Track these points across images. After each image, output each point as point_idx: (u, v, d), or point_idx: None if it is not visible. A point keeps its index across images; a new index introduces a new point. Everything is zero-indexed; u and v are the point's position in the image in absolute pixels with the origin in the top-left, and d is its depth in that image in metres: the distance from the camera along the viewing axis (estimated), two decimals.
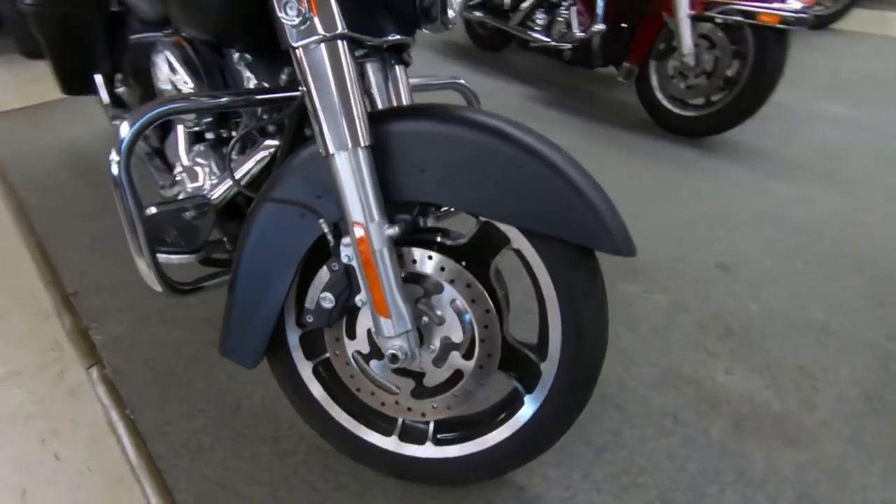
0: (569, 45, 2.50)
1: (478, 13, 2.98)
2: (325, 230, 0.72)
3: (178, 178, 1.13)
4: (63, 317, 1.29)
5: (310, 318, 0.78)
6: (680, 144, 2.20)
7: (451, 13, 0.75)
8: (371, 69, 0.86)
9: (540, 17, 2.73)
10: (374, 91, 0.87)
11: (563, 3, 2.55)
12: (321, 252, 0.76)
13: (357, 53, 0.79)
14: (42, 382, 1.13)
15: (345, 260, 0.73)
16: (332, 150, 0.66)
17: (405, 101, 0.90)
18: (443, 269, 0.75)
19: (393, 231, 0.70)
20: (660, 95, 2.29)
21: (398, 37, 0.77)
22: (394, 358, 0.73)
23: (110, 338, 1.23)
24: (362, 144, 0.67)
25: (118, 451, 0.99)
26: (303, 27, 0.63)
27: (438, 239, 0.78)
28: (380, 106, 0.87)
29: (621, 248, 0.68)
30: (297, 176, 0.74)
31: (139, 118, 0.72)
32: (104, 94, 1.33)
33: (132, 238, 0.77)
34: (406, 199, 0.72)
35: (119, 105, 1.39)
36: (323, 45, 0.64)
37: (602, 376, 0.79)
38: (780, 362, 1.18)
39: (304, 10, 0.62)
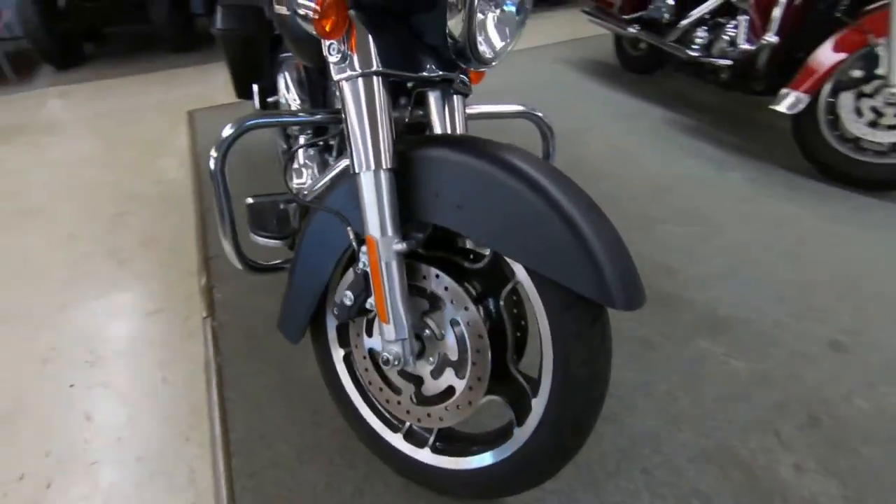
0: (729, 62, 2.30)
1: (632, 29, 2.87)
2: (351, 237, 0.82)
3: (292, 174, 1.35)
4: (201, 274, 1.63)
5: (335, 311, 0.89)
6: (833, 194, 1.87)
7: (485, 51, 0.79)
8: (432, 97, 0.93)
9: (701, 34, 2.54)
10: (434, 118, 0.94)
11: (732, 20, 2.35)
12: (355, 255, 0.87)
13: (410, 84, 0.88)
14: (174, 322, 1.45)
15: (361, 266, 0.82)
16: (358, 169, 0.76)
17: (459, 129, 0.96)
18: (446, 288, 0.80)
19: (401, 247, 0.77)
20: (827, 133, 1.95)
21: (439, 73, 0.83)
22: (386, 361, 0.80)
23: (226, 297, 1.52)
24: (384, 167, 0.75)
25: (203, 389, 1.23)
26: (343, 64, 0.73)
27: (458, 260, 0.83)
28: (437, 132, 0.94)
29: (616, 299, 0.66)
30: (339, 188, 0.85)
31: (234, 129, 0.90)
32: (256, 102, 1.64)
33: (220, 222, 0.96)
34: (421, 219, 0.78)
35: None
36: (360, 80, 0.74)
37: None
38: (874, 476, 0.96)
39: (344, 49, 0.73)
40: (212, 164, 0.91)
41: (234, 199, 0.94)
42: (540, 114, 1.21)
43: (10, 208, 2.07)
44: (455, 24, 0.71)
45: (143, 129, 2.81)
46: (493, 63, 0.83)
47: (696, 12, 2.54)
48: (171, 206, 2.03)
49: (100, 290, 1.57)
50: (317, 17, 0.67)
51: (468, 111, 1.12)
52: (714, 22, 2.53)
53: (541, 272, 0.71)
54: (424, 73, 0.82)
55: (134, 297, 1.54)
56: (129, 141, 2.67)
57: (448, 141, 0.78)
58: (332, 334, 1.00)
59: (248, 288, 1.54)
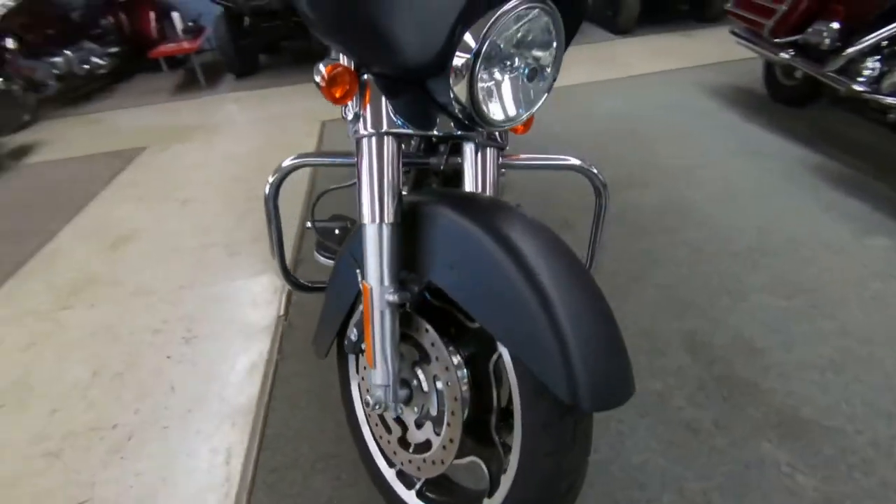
0: None
1: (784, 55, 2.51)
2: (359, 279, 0.88)
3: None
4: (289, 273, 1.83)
5: (346, 342, 0.96)
6: None
7: (496, 117, 0.77)
8: (467, 148, 0.95)
9: (871, 65, 2.15)
10: (467, 168, 0.96)
11: None
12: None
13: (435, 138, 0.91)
14: (257, 316, 1.66)
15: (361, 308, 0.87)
16: (363, 220, 0.81)
17: (489, 182, 0.95)
18: (433, 344, 0.82)
19: (394, 298, 0.80)
20: None
21: (457, 132, 0.84)
22: (367, 403, 0.84)
23: (303, 301, 1.69)
24: (386, 221, 0.79)
25: (260, 381, 1.40)
26: (356, 123, 0.79)
27: (460, 316, 0.84)
28: (467, 183, 0.95)
29: (579, 398, 0.62)
30: (356, 234, 0.91)
31: (286, 166, 1.02)
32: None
33: (270, 242, 1.09)
34: (418, 273, 0.81)
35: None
36: (372, 138, 0.79)
37: None
38: None
39: (357, 110, 0.78)
40: (266, 190, 1.04)
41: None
42: (594, 170, 1.15)
43: (174, 197, 2.54)
44: (460, 90, 0.72)
45: (285, 135, 3.23)
46: (512, 124, 0.82)
47: (870, 39, 2.13)
48: (283, 209, 2.30)
49: (210, 278, 1.86)
50: (325, 85, 0.73)
51: (515, 161, 1.11)
52: (891, 51, 2.10)
53: (514, 353, 0.70)
54: (436, 132, 0.83)
55: (233, 288, 1.80)
56: (272, 144, 3.08)
57: (453, 199, 0.79)
58: (351, 359, 1.07)
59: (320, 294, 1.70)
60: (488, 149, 0.94)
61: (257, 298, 1.73)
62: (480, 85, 0.72)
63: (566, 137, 2.73)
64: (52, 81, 3.94)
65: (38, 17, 3.92)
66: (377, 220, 0.79)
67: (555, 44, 0.77)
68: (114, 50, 4.51)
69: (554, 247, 0.72)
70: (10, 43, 3.70)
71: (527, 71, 0.76)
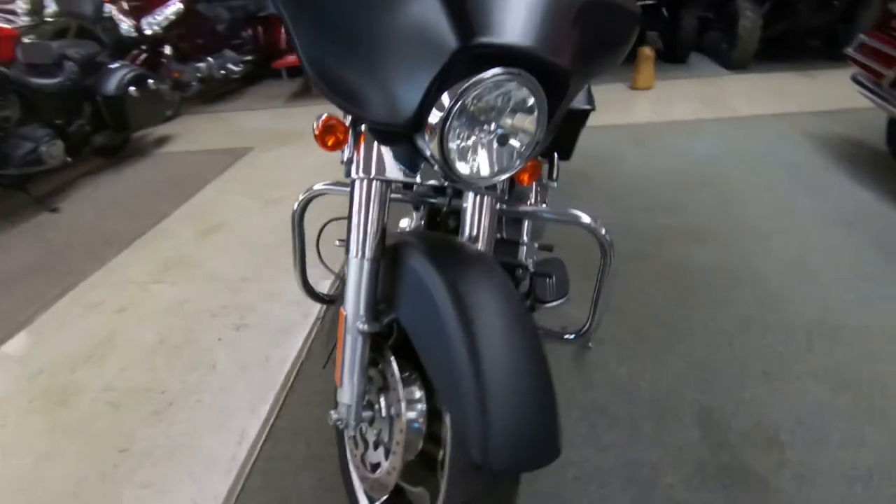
0: None
1: None
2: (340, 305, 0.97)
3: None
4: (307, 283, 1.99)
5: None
6: None
7: (470, 175, 0.81)
8: (468, 195, 1.00)
9: None
10: (465, 213, 1.01)
11: None
12: None
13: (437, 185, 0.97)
14: (298, 314, 1.83)
15: None
16: (349, 253, 0.90)
17: (483, 228, 0.99)
18: (392, 375, 0.88)
19: (364, 327, 0.88)
20: None
21: (445, 182, 0.89)
22: (331, 417, 0.92)
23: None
24: (366, 257, 0.87)
25: (284, 376, 1.55)
26: (350, 166, 0.88)
27: None
28: (466, 229, 1.00)
29: (489, 457, 0.65)
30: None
31: (315, 190, 1.15)
32: None
33: (294, 255, 1.23)
34: (389, 307, 0.88)
35: None
36: (363, 181, 0.88)
37: None
38: None
39: (351, 154, 0.87)
40: (294, 207, 1.18)
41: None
42: (602, 229, 1.13)
43: (265, 196, 2.86)
44: (434, 147, 0.76)
45: None
46: (486, 183, 0.85)
47: None
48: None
49: (272, 274, 2.08)
50: (318, 134, 0.83)
51: (517, 209, 1.14)
52: None
53: (442, 401, 0.74)
54: (419, 179, 0.88)
55: (289, 287, 1.99)
56: None
57: (426, 243, 0.85)
58: None
59: None
60: (486, 197, 0.99)
61: (307, 299, 1.90)
62: (452, 144, 0.76)
63: (633, 176, 2.62)
64: (195, 83, 4.60)
65: (192, 29, 4.60)
66: (358, 255, 0.87)
67: (536, 113, 0.79)
68: (248, 58, 5.15)
69: (502, 301, 0.75)
70: (167, 50, 4.39)
71: (497, 136, 0.79)
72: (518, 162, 0.84)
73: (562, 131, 2.01)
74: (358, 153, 0.86)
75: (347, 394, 0.90)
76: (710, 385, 1.38)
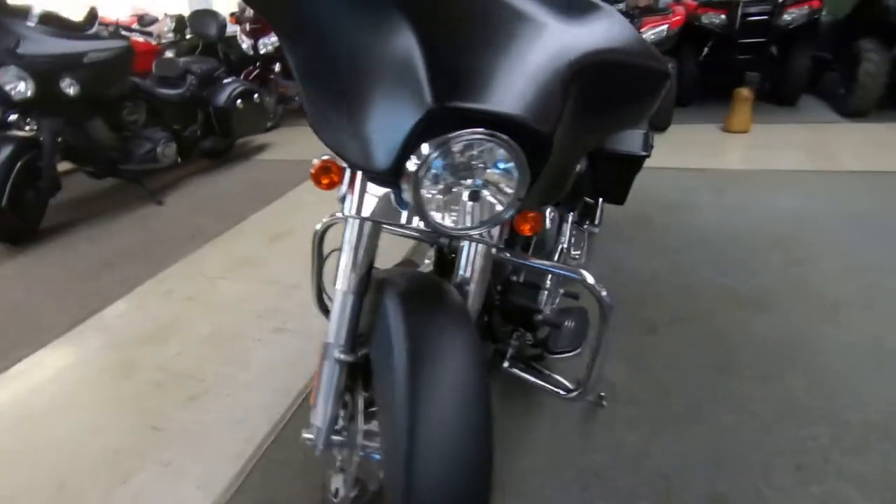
0: None
1: None
2: None
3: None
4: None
5: None
6: None
7: (446, 225, 0.82)
8: (464, 241, 1.03)
9: None
10: (461, 256, 1.03)
11: None
12: None
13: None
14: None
15: None
16: (336, 286, 0.96)
17: (475, 273, 1.00)
18: (356, 405, 0.92)
19: (340, 356, 0.93)
20: None
21: (420, 226, 0.92)
22: (302, 436, 0.98)
23: None
24: (350, 291, 0.93)
25: (299, 390, 1.65)
26: (343, 203, 0.94)
27: None
28: (459, 272, 1.03)
29: None
30: None
31: (331, 219, 1.23)
32: None
33: (311, 273, 1.32)
34: (365, 339, 0.93)
35: None
36: (354, 221, 0.93)
37: None
38: None
39: (345, 193, 0.93)
40: (317, 227, 1.27)
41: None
42: (603, 290, 1.09)
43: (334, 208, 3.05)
44: (410, 194, 0.76)
45: None
46: (462, 234, 0.86)
47: None
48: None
49: None
50: (313, 173, 0.90)
51: (513, 258, 1.14)
52: None
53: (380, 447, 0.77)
54: (404, 223, 0.92)
55: None
56: None
57: (404, 283, 0.89)
58: None
59: None
60: (477, 245, 1.00)
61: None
62: (427, 193, 0.78)
63: (700, 227, 2.45)
64: (297, 98, 5.05)
65: None
66: (343, 287, 0.93)
67: (515, 173, 0.79)
68: None
69: (458, 355, 0.77)
70: (276, 67, 4.87)
71: (470, 191, 0.80)
72: (498, 217, 0.84)
73: (613, 176, 1.96)
74: (351, 194, 0.93)
75: (319, 417, 0.95)
76: (729, 470, 1.26)
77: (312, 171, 0.92)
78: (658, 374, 1.58)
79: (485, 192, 0.82)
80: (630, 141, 1.90)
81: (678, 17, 3.75)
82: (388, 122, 0.76)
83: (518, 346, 1.43)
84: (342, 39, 0.79)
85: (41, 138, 2.80)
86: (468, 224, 0.84)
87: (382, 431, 0.75)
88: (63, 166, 3.18)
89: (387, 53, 0.75)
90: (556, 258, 1.56)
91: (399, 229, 0.99)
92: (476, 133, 0.73)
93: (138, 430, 1.51)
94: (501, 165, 0.79)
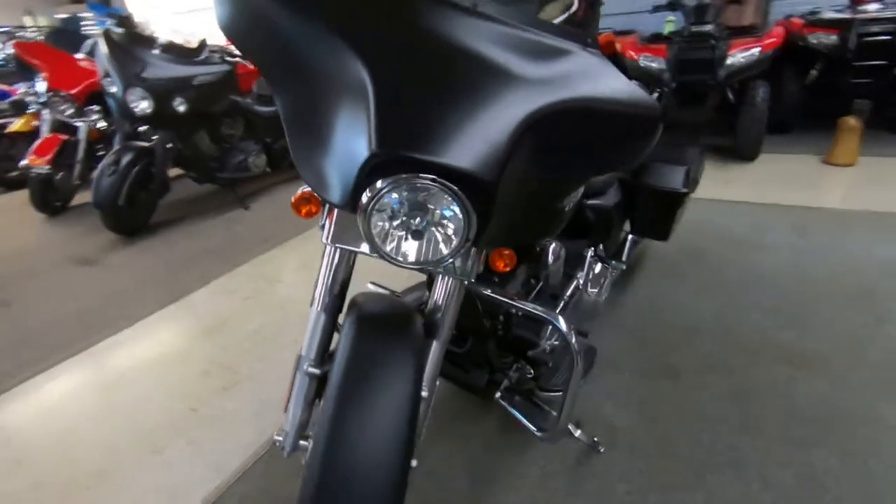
0: None
1: None
2: None
3: None
4: None
5: None
6: None
7: (401, 255, 0.87)
8: (440, 277, 1.07)
9: None
10: (434, 290, 1.08)
11: None
12: None
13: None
14: None
15: None
16: (311, 304, 1.06)
17: (448, 307, 1.04)
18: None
19: (310, 369, 1.03)
20: None
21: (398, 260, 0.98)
22: (273, 438, 1.08)
23: None
24: (321, 310, 1.03)
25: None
26: (322, 231, 1.03)
27: None
28: (430, 302, 1.07)
29: None
30: None
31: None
32: None
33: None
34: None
35: None
36: (328, 247, 1.02)
37: None
38: None
39: (323, 223, 1.02)
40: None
41: None
42: (573, 338, 1.07)
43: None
44: (362, 226, 0.80)
45: None
46: (413, 268, 0.90)
47: None
48: None
49: None
50: (293, 203, 1.00)
51: (489, 295, 1.16)
52: None
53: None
54: (368, 253, 0.98)
55: None
56: None
57: (372, 307, 0.96)
58: None
59: None
60: (451, 279, 1.04)
61: None
62: (374, 228, 0.84)
63: (764, 271, 2.22)
64: None
65: None
66: (317, 307, 1.03)
67: (459, 216, 0.82)
68: None
69: (393, 379, 0.84)
70: None
71: (412, 230, 0.84)
72: (444, 256, 0.87)
73: (652, 212, 1.87)
74: (329, 223, 1.02)
75: (288, 423, 1.05)
76: None
77: (293, 200, 1.02)
78: (668, 425, 1.48)
79: (437, 231, 0.86)
80: (670, 176, 1.82)
81: (773, 40, 3.44)
82: (344, 162, 0.82)
83: (518, 378, 1.43)
84: (314, 85, 0.87)
85: (155, 148, 3.29)
86: (416, 259, 0.89)
87: (313, 442, 0.82)
88: (173, 172, 3.68)
89: (349, 98, 0.81)
90: (567, 294, 1.53)
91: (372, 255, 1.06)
92: (417, 178, 0.78)
93: (179, 410, 1.73)
94: (446, 210, 0.82)
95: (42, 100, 3.71)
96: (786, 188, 3.14)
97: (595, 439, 1.39)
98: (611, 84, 0.93)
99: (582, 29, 1.00)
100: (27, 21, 10.58)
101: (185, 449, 1.57)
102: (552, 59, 0.87)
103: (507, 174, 0.80)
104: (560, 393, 1.35)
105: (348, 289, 1.09)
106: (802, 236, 2.52)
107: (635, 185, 1.84)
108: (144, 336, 2.22)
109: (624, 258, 1.85)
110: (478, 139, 0.78)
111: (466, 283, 1.05)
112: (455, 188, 0.78)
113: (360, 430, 0.79)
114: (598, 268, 1.62)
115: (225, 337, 2.13)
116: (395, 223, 0.85)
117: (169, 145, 3.36)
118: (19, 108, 4.36)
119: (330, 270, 1.02)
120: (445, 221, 0.84)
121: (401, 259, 0.88)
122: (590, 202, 1.63)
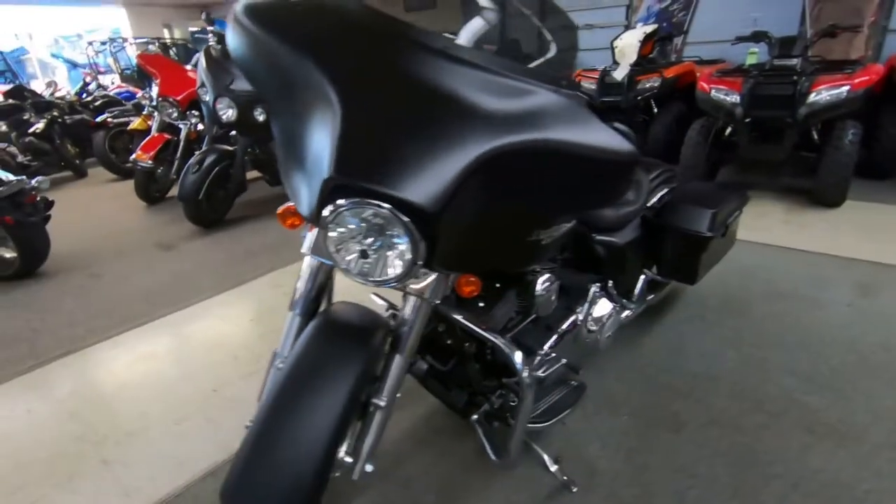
0: None
1: None
2: None
3: None
4: None
5: None
6: None
7: (354, 270, 0.95)
8: (406, 296, 1.14)
9: None
10: (405, 305, 1.15)
11: None
12: None
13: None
14: None
15: None
16: (288, 308, 1.17)
17: (416, 326, 1.10)
18: None
19: (281, 365, 1.14)
20: None
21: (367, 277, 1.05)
22: (246, 425, 1.20)
23: None
24: (296, 313, 1.14)
25: None
26: (304, 243, 1.14)
27: None
28: (402, 314, 1.15)
29: (232, 495, 0.87)
30: None
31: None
32: None
33: None
34: None
35: None
36: (307, 257, 1.13)
37: None
38: None
39: (304, 234, 1.13)
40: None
41: None
42: (525, 374, 1.08)
43: None
44: (321, 239, 0.91)
45: None
46: (369, 283, 0.96)
47: None
48: None
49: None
50: (279, 214, 1.12)
51: (450, 315, 1.19)
52: None
53: None
54: (343, 267, 1.06)
55: None
56: None
57: (340, 315, 1.06)
58: None
59: None
60: (415, 297, 1.11)
61: None
62: (330, 245, 0.92)
63: (807, 330, 2.03)
64: None
65: None
66: (294, 310, 1.14)
67: (402, 246, 0.88)
68: None
69: (331, 385, 0.93)
70: None
71: (359, 250, 0.91)
72: (393, 276, 0.93)
73: (676, 253, 1.81)
74: (310, 235, 1.13)
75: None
76: None
77: (279, 211, 1.14)
78: (655, 477, 1.42)
79: (388, 253, 0.93)
80: (695, 218, 1.76)
81: (866, 78, 3.12)
82: (311, 182, 0.90)
83: (502, 404, 1.45)
84: (299, 110, 0.96)
85: (236, 151, 3.66)
86: (368, 276, 0.97)
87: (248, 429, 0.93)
88: (251, 174, 4.06)
89: (322, 124, 0.89)
90: (563, 327, 1.53)
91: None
92: (367, 202, 0.85)
93: (204, 390, 1.93)
94: (396, 235, 0.89)
95: (154, 103, 4.27)
96: (863, 240, 2.83)
97: (565, 478, 1.37)
98: (581, 126, 0.95)
99: (557, 71, 1.04)
100: (165, 33, 12.05)
101: (202, 424, 1.75)
102: (519, 100, 0.90)
103: (460, 206, 0.85)
104: (541, 424, 1.36)
105: (325, 296, 1.20)
106: (865, 296, 2.27)
107: (658, 224, 1.79)
108: (193, 318, 2.48)
109: (634, 298, 1.80)
110: (428, 172, 0.84)
111: (432, 304, 1.10)
112: (398, 214, 0.84)
113: (289, 422, 0.87)
114: (602, 304, 1.60)
115: (262, 327, 2.34)
116: (353, 241, 0.93)
117: (248, 150, 3.73)
118: (139, 109, 5.06)
119: (307, 278, 1.13)
120: (397, 243, 0.90)
121: (356, 274, 0.96)
122: (599, 237, 1.61)
